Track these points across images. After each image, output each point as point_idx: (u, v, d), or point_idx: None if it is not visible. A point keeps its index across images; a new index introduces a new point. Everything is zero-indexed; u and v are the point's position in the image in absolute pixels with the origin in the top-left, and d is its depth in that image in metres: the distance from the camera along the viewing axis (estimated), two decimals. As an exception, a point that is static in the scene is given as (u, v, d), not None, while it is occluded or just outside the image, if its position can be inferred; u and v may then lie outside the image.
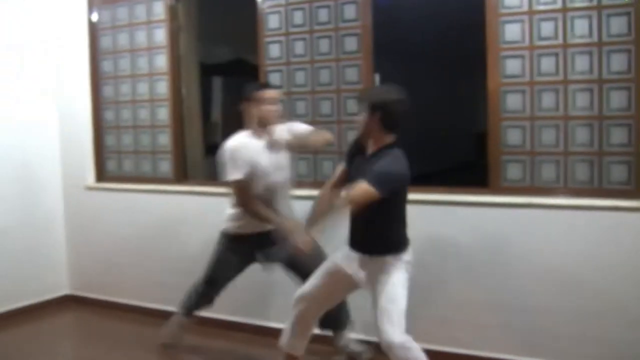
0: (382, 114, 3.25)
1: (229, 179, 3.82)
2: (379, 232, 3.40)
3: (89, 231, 5.67)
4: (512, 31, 3.98)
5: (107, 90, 5.59)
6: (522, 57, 3.96)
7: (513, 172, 4.05)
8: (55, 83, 5.63)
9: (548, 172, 3.95)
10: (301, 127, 4.05)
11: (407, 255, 3.41)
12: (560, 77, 3.87)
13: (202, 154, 5.59)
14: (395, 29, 6.96)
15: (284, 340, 3.74)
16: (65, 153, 5.69)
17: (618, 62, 3.74)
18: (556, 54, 3.87)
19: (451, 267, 4.13)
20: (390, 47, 6.05)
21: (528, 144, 3.99)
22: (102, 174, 5.67)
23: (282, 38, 4.71)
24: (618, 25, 3.72)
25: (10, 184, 5.36)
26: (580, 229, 3.78)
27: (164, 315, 4.96)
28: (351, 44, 4.47)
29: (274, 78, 4.75)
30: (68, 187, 5.72)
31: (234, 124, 4.11)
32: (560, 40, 3.86)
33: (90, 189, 5.61)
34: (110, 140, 5.63)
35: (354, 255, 3.47)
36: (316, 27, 4.59)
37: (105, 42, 5.55)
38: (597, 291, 3.75)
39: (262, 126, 3.90)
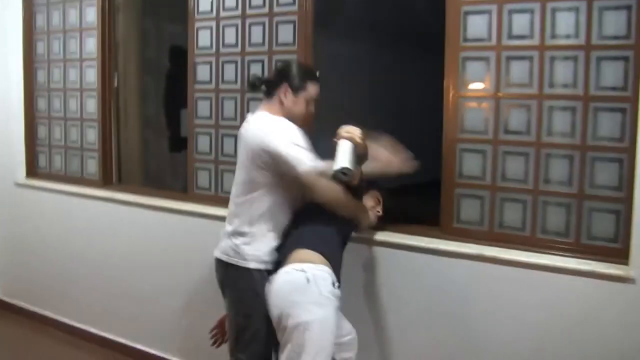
0: None
1: (306, 167, 2.67)
2: None
3: (18, 233, 4.98)
4: (476, 26, 2.99)
5: (41, 75, 4.84)
6: (486, 59, 2.97)
7: (469, 210, 3.07)
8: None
9: (512, 214, 2.96)
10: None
11: None
12: (534, 90, 2.86)
13: (141, 154, 4.80)
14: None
15: None
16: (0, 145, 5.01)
17: (612, 73, 2.71)
18: (530, 58, 2.86)
19: (391, 319, 3.21)
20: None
21: (489, 176, 3.00)
22: (33, 170, 4.94)
23: (212, 23, 3.84)
24: (614, 23, 2.69)
25: None
26: (544, 295, 2.79)
27: (85, 336, 4.49)
28: (286, 33, 3.57)
29: (203, 70, 3.90)
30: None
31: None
32: (536, 40, 2.85)
33: (19, 185, 4.89)
34: (42, 132, 4.90)
35: None
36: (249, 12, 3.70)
37: (40, 20, 4.79)
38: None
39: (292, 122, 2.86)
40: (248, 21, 3.69)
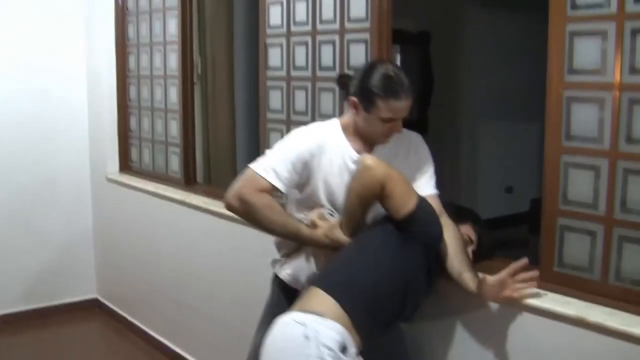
0: None
1: (252, 167, 2.24)
2: None
3: (110, 232, 4.67)
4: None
5: (132, 61, 4.46)
6: (603, 34, 2.03)
7: (574, 250, 2.17)
8: (85, 45, 4.66)
9: (635, 261, 2.02)
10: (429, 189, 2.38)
11: None
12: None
13: (233, 150, 4.27)
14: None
15: None
16: (94, 135, 4.71)
17: None
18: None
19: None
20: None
21: (603, 203, 2.07)
22: (126, 164, 4.59)
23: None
24: None
25: (35, 162, 4.61)
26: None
27: (161, 348, 4.10)
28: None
29: (274, 54, 3.25)
30: (93, 177, 4.75)
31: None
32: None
33: (110, 180, 4.55)
34: (133, 122, 4.53)
35: None
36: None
37: (131, 1, 4.41)
38: None
39: (362, 139, 2.29)
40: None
